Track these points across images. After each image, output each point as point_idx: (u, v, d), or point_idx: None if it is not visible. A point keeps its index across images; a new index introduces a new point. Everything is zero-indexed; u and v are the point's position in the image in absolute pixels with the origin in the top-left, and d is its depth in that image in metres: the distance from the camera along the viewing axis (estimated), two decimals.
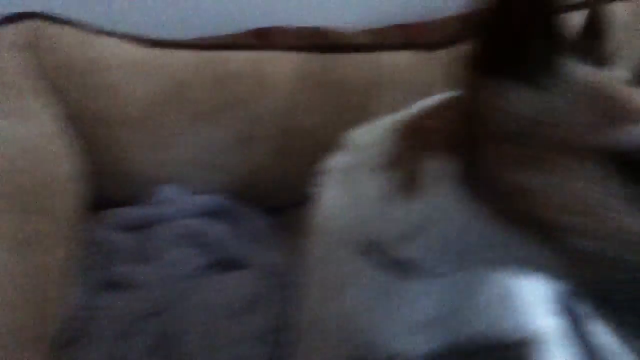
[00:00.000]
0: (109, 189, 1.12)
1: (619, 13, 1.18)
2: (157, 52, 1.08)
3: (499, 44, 0.50)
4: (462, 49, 0.54)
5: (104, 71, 1.06)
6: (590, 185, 0.48)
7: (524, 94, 0.51)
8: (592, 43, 0.59)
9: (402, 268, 0.61)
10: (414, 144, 0.61)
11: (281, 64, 1.12)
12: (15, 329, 0.77)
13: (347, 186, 0.67)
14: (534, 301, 0.69)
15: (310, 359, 0.71)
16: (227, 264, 1.08)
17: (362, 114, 1.19)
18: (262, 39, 1.13)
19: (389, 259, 0.61)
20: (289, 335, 0.81)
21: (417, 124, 0.63)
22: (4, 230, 0.82)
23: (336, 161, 0.73)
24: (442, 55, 1.20)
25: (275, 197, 1.20)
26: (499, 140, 0.51)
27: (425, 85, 1.19)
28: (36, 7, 1.05)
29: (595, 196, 0.47)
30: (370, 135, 0.69)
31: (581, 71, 0.53)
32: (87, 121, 1.08)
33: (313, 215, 0.71)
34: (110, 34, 1.09)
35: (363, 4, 1.29)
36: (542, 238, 0.49)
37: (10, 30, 1.02)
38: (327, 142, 0.82)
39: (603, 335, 0.73)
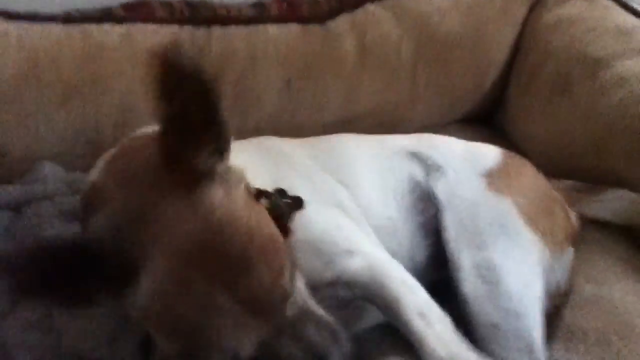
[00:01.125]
0: None
1: None
2: (15, 25, 1.02)
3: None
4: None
5: None
6: None
7: None
8: None
9: None
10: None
11: (154, 38, 1.09)
12: None
13: None
14: None
15: None
16: None
17: (239, 90, 1.21)
18: (131, 12, 1.09)
19: None
20: None
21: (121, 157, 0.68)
22: None
23: None
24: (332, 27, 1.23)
25: None
26: None
27: (302, 59, 1.22)
28: None
29: None
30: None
31: None
32: None
33: None
34: None
35: None
36: None
37: None
38: None
39: None
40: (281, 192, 0.77)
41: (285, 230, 0.68)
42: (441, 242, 0.88)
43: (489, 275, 0.80)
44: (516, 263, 0.82)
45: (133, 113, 1.18)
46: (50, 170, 1.12)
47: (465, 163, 0.95)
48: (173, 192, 0.55)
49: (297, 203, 0.77)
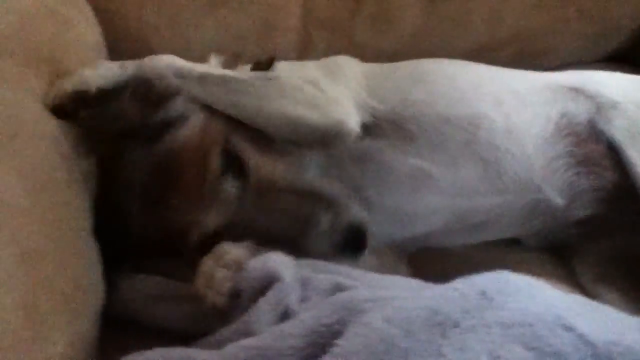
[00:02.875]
0: None
1: None
2: None
3: None
4: None
5: None
6: None
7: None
8: None
9: None
10: None
11: None
12: None
13: None
14: None
15: None
16: None
17: (378, 8, 1.19)
18: None
19: None
20: None
21: None
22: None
23: None
24: None
25: None
26: None
27: None
28: None
29: None
30: None
31: None
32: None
33: None
34: None
35: None
36: None
37: None
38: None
39: None
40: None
41: None
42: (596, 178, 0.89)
43: None
44: None
45: (275, 31, 1.19)
46: None
47: None
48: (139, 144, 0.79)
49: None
